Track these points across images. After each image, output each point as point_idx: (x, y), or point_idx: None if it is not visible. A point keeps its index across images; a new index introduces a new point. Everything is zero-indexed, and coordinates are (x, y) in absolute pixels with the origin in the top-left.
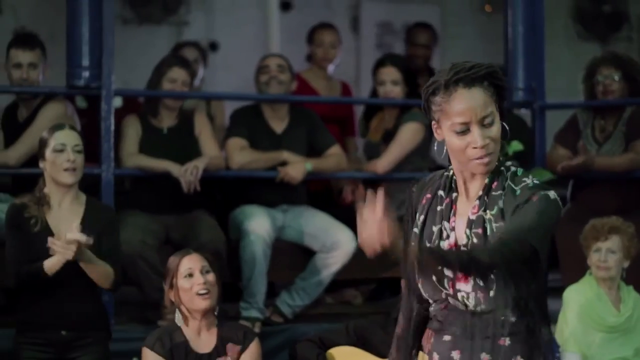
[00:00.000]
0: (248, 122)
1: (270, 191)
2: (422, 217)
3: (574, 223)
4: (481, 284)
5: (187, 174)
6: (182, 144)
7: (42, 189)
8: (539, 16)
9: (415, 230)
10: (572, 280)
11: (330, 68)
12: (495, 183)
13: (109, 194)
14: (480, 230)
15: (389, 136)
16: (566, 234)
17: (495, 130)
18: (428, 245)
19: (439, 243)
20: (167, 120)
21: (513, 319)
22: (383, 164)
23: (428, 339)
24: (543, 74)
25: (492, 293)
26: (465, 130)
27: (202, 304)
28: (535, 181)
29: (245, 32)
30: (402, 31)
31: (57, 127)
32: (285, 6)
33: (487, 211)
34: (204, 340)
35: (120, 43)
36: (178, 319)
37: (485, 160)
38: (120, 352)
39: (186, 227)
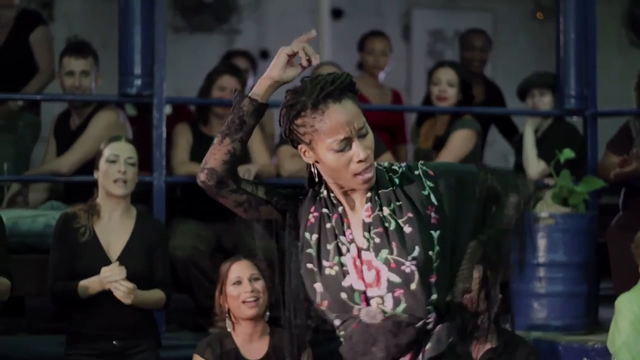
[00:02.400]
0: None
1: None
2: (315, 236)
3: (626, 231)
4: (398, 280)
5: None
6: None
7: (95, 198)
8: (591, 23)
9: (310, 251)
10: (624, 289)
11: (381, 76)
12: (377, 183)
13: (161, 202)
14: (380, 229)
15: (440, 143)
16: (618, 242)
17: (371, 138)
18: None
19: (339, 259)
20: (217, 128)
21: (434, 323)
22: None
23: None
24: (595, 81)
25: (413, 286)
26: (345, 147)
27: (249, 311)
28: (402, 165)
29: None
30: (454, 39)
31: (113, 139)
32: (337, 14)
33: (384, 208)
34: (255, 347)
35: (172, 51)
36: (229, 325)
37: (369, 174)
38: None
39: (237, 234)
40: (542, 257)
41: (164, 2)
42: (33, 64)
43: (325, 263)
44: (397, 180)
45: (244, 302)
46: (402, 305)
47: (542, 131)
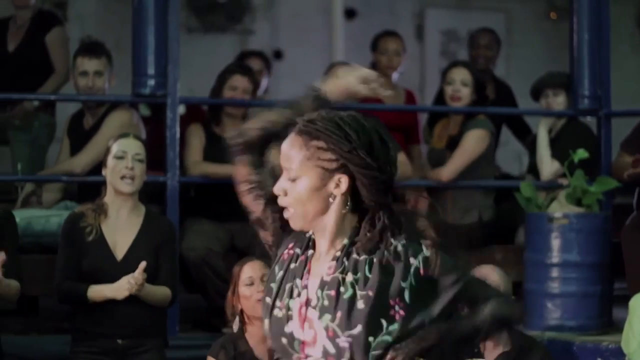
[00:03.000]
0: None
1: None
2: (280, 273)
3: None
4: (332, 351)
5: None
6: None
7: (102, 197)
8: (604, 23)
9: (273, 285)
10: (638, 289)
11: (395, 76)
12: (354, 246)
13: (174, 202)
14: (332, 293)
15: (453, 143)
16: (632, 242)
17: (297, 189)
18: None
19: (288, 302)
20: (229, 128)
21: None
22: (447, 171)
23: None
24: (609, 81)
25: None
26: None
27: None
28: (403, 242)
29: (309, 40)
30: (467, 39)
31: (121, 135)
32: (350, 14)
33: (349, 274)
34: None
35: (186, 51)
36: (236, 326)
37: (285, 212)
38: None
39: (251, 234)
40: (555, 257)
41: (177, 2)
42: (49, 64)
43: (277, 302)
44: (385, 253)
45: (257, 301)
46: None
47: (555, 131)
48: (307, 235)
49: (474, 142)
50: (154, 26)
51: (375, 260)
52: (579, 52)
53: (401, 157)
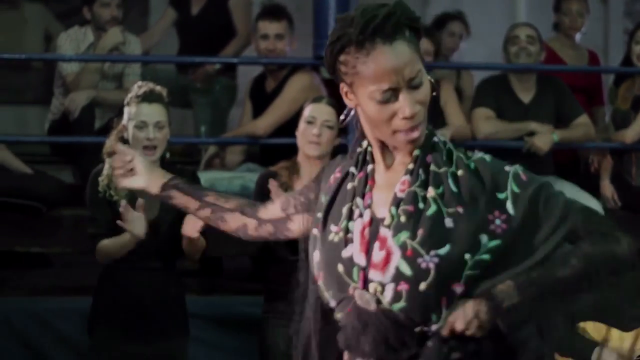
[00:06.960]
0: (495, 92)
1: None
2: (327, 199)
3: None
4: (408, 273)
5: None
6: (428, 114)
7: (297, 157)
8: None
9: (319, 214)
10: None
11: (577, 37)
12: (429, 156)
13: None
14: (410, 208)
15: (638, 104)
16: None
17: (424, 91)
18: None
19: (346, 224)
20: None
21: (434, 331)
22: (632, 133)
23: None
24: None
25: (422, 286)
26: (390, 98)
27: None
28: (482, 154)
29: (491, 0)
30: None
31: (316, 99)
32: None
33: (430, 188)
34: None
35: None
36: None
37: (415, 134)
38: None
39: None
40: None
41: None
42: (231, 28)
43: (332, 227)
44: (471, 165)
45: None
46: (401, 304)
47: None
48: (360, 149)
49: None
50: None
51: (460, 172)
52: None
53: (584, 119)
